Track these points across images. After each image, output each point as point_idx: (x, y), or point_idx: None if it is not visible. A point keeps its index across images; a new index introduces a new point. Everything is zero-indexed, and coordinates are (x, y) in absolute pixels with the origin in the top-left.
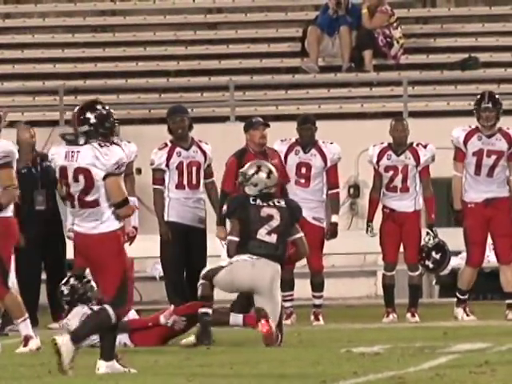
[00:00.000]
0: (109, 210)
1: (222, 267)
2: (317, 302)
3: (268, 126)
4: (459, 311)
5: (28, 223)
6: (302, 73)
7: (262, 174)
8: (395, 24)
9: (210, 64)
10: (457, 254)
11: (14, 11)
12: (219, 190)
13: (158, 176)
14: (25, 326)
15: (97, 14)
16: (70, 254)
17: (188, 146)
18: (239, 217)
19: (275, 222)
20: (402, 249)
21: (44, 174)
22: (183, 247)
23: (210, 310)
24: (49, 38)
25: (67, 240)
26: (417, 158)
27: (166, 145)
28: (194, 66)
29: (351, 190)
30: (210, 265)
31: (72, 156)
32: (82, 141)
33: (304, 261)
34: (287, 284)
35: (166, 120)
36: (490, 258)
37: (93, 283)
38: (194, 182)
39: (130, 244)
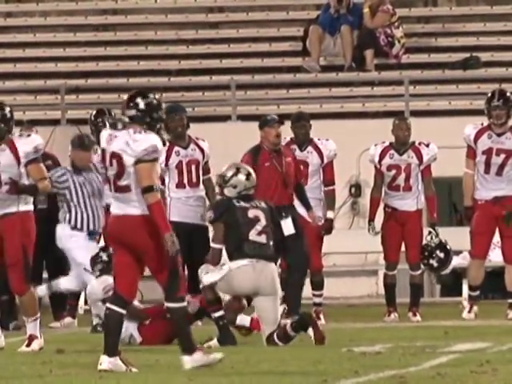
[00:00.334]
0: (140, 195)
1: (221, 274)
2: (317, 300)
3: (283, 123)
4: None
5: None
6: (304, 72)
7: (241, 176)
8: (397, 23)
9: (211, 63)
10: (458, 253)
11: (15, 10)
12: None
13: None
14: (34, 326)
15: (98, 13)
16: None
17: (186, 144)
18: (227, 221)
19: (262, 223)
20: (403, 248)
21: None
22: (186, 246)
23: (222, 312)
24: (50, 37)
25: None
26: (419, 156)
27: (165, 144)
28: (195, 66)
29: (353, 190)
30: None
31: (110, 140)
32: (120, 126)
33: None
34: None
35: None
36: (492, 258)
37: None
38: (194, 180)
39: None
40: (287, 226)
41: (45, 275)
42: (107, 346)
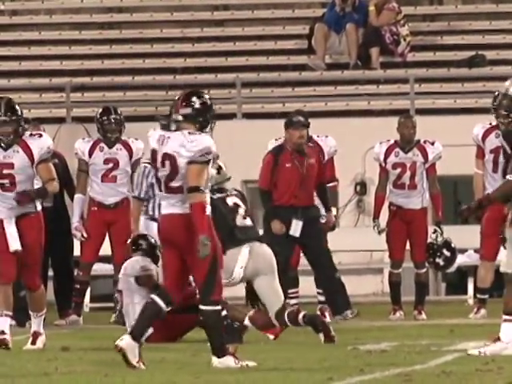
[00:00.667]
0: None
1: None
2: (322, 298)
3: (308, 126)
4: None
5: None
6: (309, 70)
7: (212, 171)
8: (402, 21)
9: (216, 61)
10: (463, 251)
11: (20, 8)
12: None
13: None
14: (39, 322)
15: (104, 11)
16: (76, 250)
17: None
18: (211, 215)
19: (242, 207)
20: (408, 246)
21: None
22: None
23: (225, 312)
24: (56, 34)
25: (74, 237)
26: (425, 155)
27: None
28: (200, 63)
29: (358, 188)
30: None
31: (163, 140)
32: (173, 127)
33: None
34: (292, 281)
35: None
36: (498, 257)
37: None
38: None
39: None
40: (296, 228)
41: (51, 273)
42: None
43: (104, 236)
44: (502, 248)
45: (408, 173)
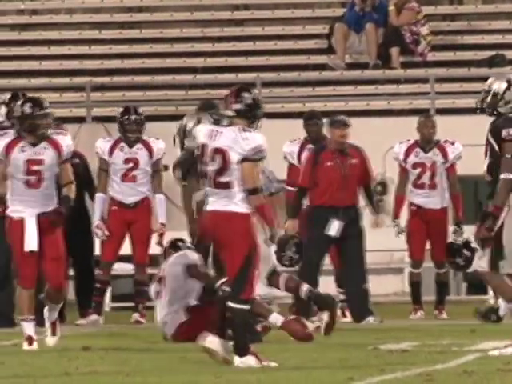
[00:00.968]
0: (241, 193)
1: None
2: (342, 297)
3: (348, 125)
4: None
5: None
6: (329, 70)
7: None
8: (422, 21)
9: (236, 61)
10: None
11: (41, 8)
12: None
13: None
14: (55, 313)
15: (124, 10)
16: (97, 250)
17: None
18: (196, 175)
19: None
20: (428, 246)
21: (73, 170)
22: None
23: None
24: (76, 34)
25: (95, 235)
26: (445, 154)
27: None
28: (220, 63)
29: (378, 187)
30: None
31: (214, 135)
32: (225, 122)
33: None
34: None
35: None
36: None
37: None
38: None
39: (160, 242)
40: (334, 228)
41: (72, 272)
42: (239, 344)
43: (124, 235)
44: None
45: (428, 173)
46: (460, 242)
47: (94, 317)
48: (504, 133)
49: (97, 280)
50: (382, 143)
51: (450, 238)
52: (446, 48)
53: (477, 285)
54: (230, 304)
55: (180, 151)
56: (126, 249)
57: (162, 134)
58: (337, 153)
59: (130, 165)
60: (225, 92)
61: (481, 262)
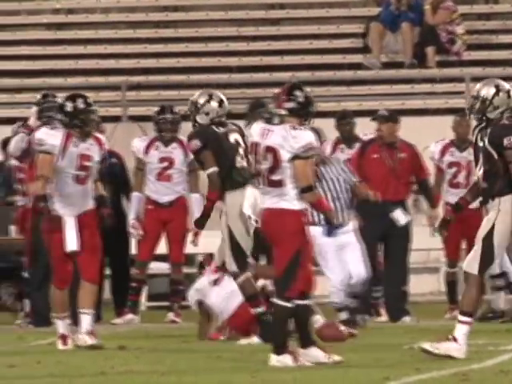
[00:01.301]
0: (293, 190)
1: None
2: (376, 294)
3: (390, 120)
4: None
5: None
6: (365, 69)
7: (214, 103)
8: (458, 20)
9: (271, 60)
10: None
11: (76, 7)
12: None
13: None
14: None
15: (159, 9)
16: (133, 249)
17: None
18: (213, 149)
19: (242, 146)
20: (464, 245)
21: (110, 170)
22: None
23: (264, 308)
24: (112, 33)
25: (131, 235)
26: None
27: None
28: (255, 62)
29: (414, 187)
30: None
31: (266, 134)
32: (276, 120)
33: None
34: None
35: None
36: None
37: None
38: None
39: (194, 241)
40: (398, 216)
41: (108, 271)
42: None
43: (160, 235)
44: None
45: (463, 172)
46: None
47: (129, 316)
48: (505, 141)
49: (133, 279)
50: (418, 142)
51: None
52: (481, 47)
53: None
54: (274, 300)
55: (192, 127)
56: (161, 248)
57: None
58: (384, 146)
59: (165, 164)
60: (260, 91)
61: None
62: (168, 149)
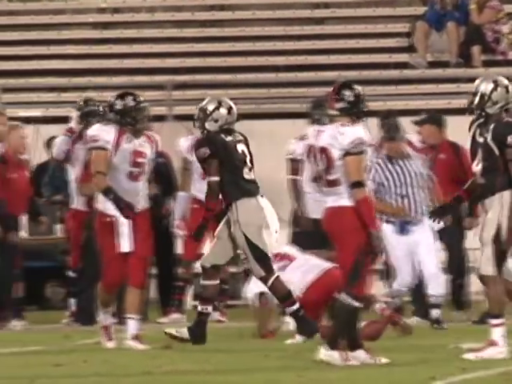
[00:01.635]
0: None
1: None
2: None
3: (427, 123)
4: None
5: None
6: (411, 68)
7: (223, 110)
8: (504, 19)
9: (317, 59)
10: None
11: (122, 6)
12: None
13: (295, 166)
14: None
15: (205, 8)
16: (178, 249)
17: None
18: (221, 157)
19: (248, 157)
20: None
21: (157, 169)
22: None
23: (298, 305)
24: (157, 32)
25: (176, 235)
26: None
27: (305, 135)
28: (301, 61)
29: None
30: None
31: (318, 135)
32: (326, 120)
33: None
34: None
35: (277, 115)
36: None
37: None
38: None
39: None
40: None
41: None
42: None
43: (205, 234)
44: None
45: None
46: None
47: (175, 315)
48: (509, 139)
49: (179, 278)
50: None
51: None
52: None
53: None
54: (339, 295)
55: (200, 134)
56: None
57: (244, 132)
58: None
59: None
60: (306, 90)
61: None
62: None
